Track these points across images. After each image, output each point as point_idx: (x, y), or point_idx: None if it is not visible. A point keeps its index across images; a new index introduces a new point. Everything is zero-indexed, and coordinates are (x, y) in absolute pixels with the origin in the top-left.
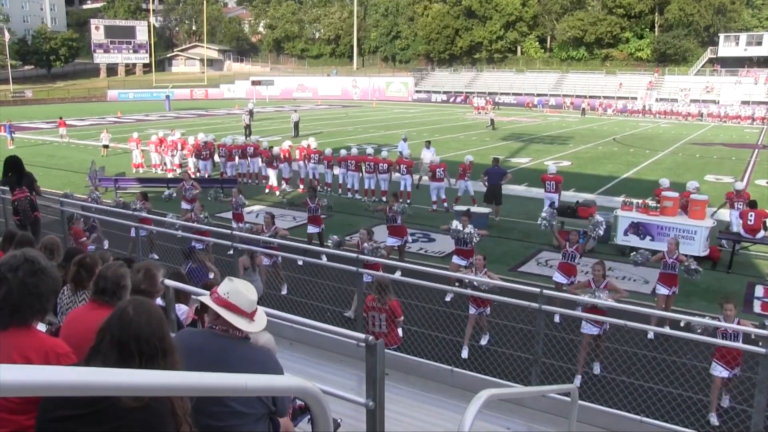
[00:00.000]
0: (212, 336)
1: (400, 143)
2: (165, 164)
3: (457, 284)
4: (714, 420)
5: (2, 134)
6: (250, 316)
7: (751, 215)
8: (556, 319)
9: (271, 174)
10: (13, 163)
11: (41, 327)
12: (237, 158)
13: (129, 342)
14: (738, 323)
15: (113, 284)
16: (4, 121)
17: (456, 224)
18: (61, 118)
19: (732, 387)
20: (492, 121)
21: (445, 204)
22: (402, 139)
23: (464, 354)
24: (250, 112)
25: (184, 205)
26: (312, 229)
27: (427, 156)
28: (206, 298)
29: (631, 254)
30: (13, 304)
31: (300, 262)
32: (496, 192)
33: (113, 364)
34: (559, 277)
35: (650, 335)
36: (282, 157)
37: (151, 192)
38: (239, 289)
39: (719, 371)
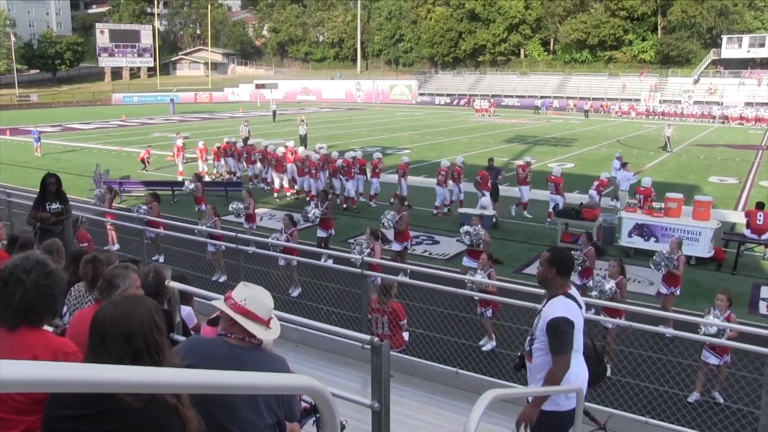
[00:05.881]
0: (226, 345)
1: (614, 161)
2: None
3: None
4: (692, 398)
5: (27, 139)
6: (266, 323)
7: (759, 215)
8: None
9: (276, 177)
10: None
11: (47, 328)
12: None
13: (97, 339)
14: (729, 316)
15: (106, 282)
16: (31, 125)
17: (466, 228)
18: None
19: (722, 379)
20: (668, 139)
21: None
22: (616, 157)
23: (487, 347)
24: (273, 113)
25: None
26: (321, 233)
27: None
28: (221, 304)
29: (651, 259)
30: (28, 306)
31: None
32: (493, 189)
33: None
34: (576, 279)
35: (668, 335)
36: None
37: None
38: (257, 296)
39: (712, 360)
